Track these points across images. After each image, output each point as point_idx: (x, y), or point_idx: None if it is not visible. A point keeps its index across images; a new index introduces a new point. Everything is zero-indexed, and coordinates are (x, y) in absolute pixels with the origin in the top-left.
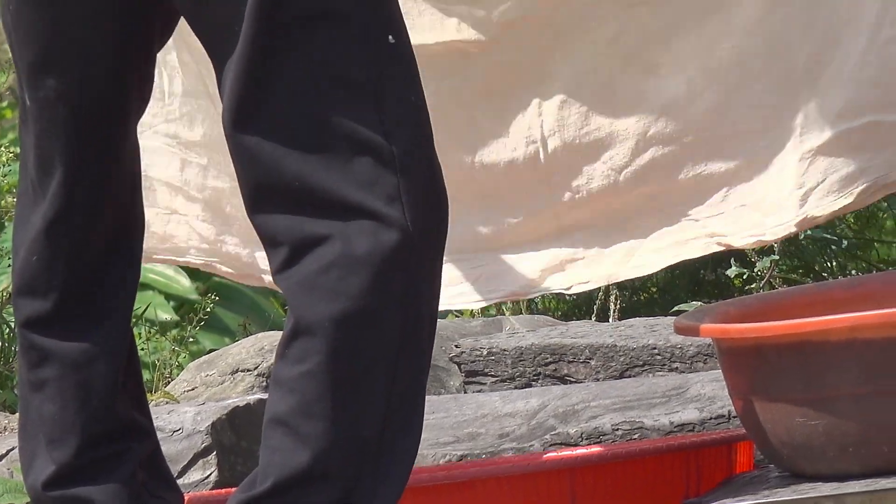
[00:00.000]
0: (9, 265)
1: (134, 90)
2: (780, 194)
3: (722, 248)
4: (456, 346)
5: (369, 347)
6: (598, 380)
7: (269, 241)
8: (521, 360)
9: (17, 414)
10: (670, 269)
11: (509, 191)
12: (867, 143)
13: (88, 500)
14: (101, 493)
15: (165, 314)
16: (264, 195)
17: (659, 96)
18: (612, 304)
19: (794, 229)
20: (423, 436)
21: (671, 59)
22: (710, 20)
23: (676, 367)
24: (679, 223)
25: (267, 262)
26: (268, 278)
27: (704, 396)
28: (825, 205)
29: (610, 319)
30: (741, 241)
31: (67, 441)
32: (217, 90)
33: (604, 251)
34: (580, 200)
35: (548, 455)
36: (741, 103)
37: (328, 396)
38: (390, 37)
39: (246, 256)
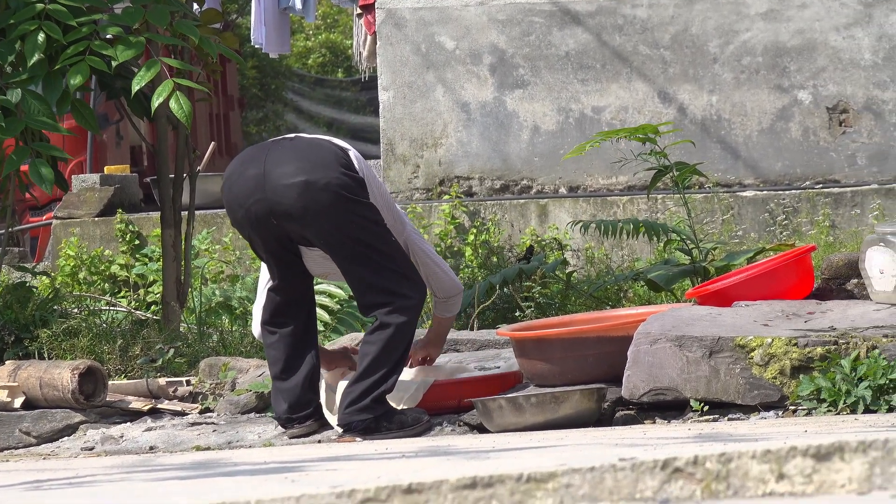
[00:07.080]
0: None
1: (294, 262)
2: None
3: None
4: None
5: (400, 338)
6: (472, 351)
7: (368, 308)
8: (456, 345)
9: (266, 358)
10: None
11: None
12: None
13: (292, 384)
14: (295, 380)
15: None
16: (366, 292)
17: None
18: (475, 324)
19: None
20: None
21: None
22: None
23: (499, 347)
24: None
25: None
26: None
27: (509, 358)
28: None
29: (475, 328)
30: None
31: (282, 363)
32: None
33: None
34: None
35: (454, 376)
36: None
37: (383, 348)
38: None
39: None
